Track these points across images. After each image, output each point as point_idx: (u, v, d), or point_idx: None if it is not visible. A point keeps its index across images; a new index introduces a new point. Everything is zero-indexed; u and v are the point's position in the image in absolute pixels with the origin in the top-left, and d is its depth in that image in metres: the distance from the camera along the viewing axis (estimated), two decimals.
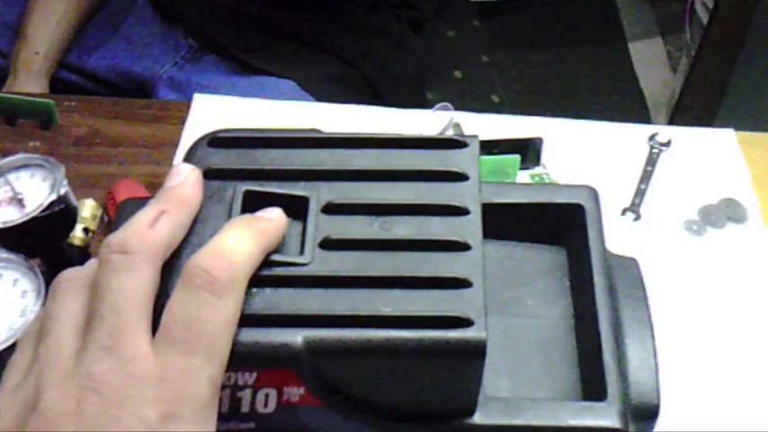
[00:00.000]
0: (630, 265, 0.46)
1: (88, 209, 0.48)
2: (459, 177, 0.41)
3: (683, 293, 0.78)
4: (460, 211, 0.40)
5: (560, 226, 0.46)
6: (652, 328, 0.44)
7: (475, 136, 0.43)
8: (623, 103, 1.93)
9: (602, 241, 0.45)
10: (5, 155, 0.77)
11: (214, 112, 0.85)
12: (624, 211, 0.83)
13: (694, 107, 1.60)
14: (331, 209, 0.39)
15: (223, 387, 0.36)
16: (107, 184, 0.73)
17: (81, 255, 0.52)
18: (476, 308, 0.37)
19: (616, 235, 0.80)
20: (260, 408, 0.37)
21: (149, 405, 0.33)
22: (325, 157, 0.41)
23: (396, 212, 0.39)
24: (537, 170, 0.83)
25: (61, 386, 0.34)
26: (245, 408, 0.37)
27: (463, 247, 0.38)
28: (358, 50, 1.04)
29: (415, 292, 0.37)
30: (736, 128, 0.93)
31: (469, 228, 0.39)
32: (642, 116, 1.90)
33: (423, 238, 0.38)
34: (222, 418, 0.36)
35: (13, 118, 0.79)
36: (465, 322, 0.36)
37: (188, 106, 0.84)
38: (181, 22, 1.04)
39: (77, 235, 0.48)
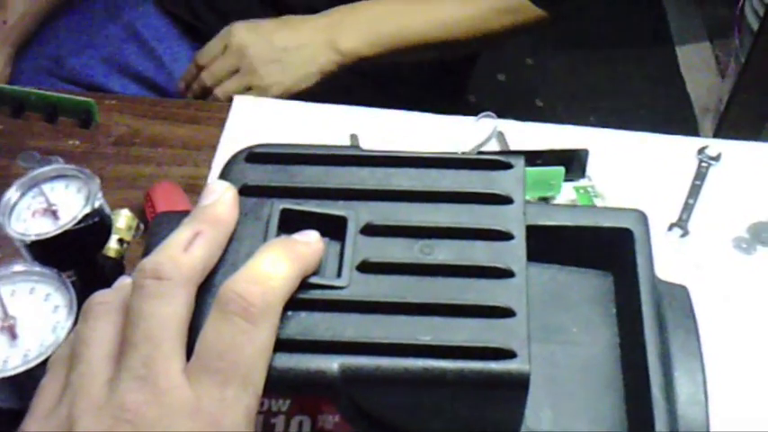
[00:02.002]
0: (680, 293, 0.44)
1: (123, 219, 0.48)
2: (504, 200, 0.39)
3: (732, 314, 0.75)
4: (504, 236, 0.38)
5: (607, 250, 0.44)
6: (702, 361, 0.42)
7: (521, 156, 0.41)
8: (670, 108, 1.90)
9: (652, 267, 0.43)
10: (45, 153, 0.78)
11: (254, 113, 0.84)
12: (671, 227, 0.81)
13: (743, 114, 1.56)
14: (370, 230, 0.38)
15: (257, 413, 0.35)
16: (145, 185, 0.73)
17: (115, 266, 0.51)
18: (519, 338, 0.35)
19: (662, 251, 0.79)
20: None
21: None
22: (364, 176, 0.40)
23: (437, 235, 0.38)
24: (582, 182, 0.81)
25: (94, 416, 0.33)
26: None
27: (506, 273, 0.37)
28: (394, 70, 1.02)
29: (455, 321, 0.36)
30: None
31: (513, 254, 0.38)
32: (689, 121, 1.87)
33: (464, 263, 0.37)
34: None
35: (54, 116, 0.79)
36: (507, 354, 0.35)
37: (228, 107, 0.83)
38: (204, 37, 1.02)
39: (112, 246, 0.48)
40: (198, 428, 0.33)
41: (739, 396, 0.70)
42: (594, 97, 1.79)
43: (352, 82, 0.99)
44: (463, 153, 0.41)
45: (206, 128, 0.82)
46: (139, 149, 0.79)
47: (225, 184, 0.38)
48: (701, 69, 1.99)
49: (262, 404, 0.35)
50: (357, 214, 0.39)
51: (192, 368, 0.33)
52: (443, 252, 0.38)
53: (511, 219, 0.39)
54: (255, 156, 0.40)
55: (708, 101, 1.90)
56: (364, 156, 0.41)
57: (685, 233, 0.80)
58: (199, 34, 1.01)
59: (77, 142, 0.79)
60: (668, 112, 1.86)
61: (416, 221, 0.38)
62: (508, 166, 0.41)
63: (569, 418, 0.40)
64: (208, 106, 0.86)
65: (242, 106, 0.85)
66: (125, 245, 0.50)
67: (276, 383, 0.34)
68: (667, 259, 0.78)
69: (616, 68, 1.88)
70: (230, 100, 0.85)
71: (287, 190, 0.39)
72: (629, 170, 0.84)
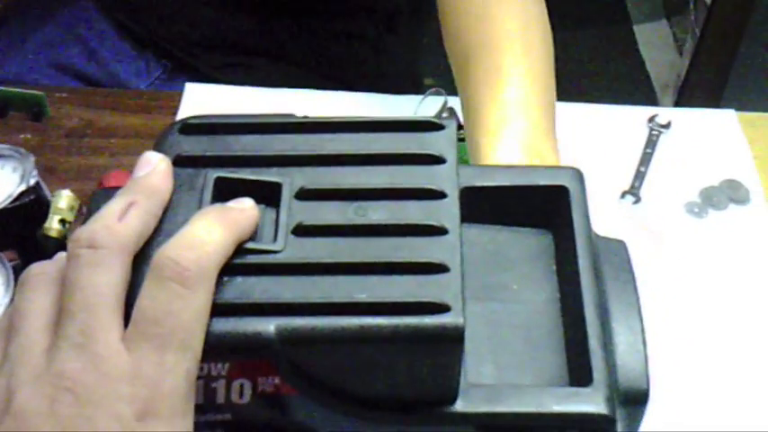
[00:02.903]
0: (618, 247, 0.45)
1: (65, 200, 0.47)
2: (436, 160, 0.40)
3: (685, 277, 0.77)
4: (437, 195, 0.39)
5: (545, 208, 0.45)
6: (640, 312, 0.43)
7: (452, 118, 0.42)
8: (629, 86, 1.91)
9: (588, 223, 0.44)
10: None
11: (206, 100, 0.84)
12: (624, 194, 0.82)
13: (700, 89, 1.58)
14: (304, 195, 0.38)
15: (197, 378, 0.35)
16: (99, 176, 0.73)
17: (58, 247, 0.51)
18: (453, 293, 0.36)
19: (615, 218, 0.80)
20: (235, 398, 0.36)
21: (124, 403, 0.33)
22: (298, 142, 0.40)
23: (370, 197, 0.38)
24: None
25: (33, 386, 0.33)
26: (221, 399, 0.36)
27: (440, 231, 0.37)
28: (335, 59, 1.02)
29: (390, 278, 0.36)
30: (742, 109, 0.91)
31: (446, 211, 0.38)
32: (649, 99, 1.88)
33: (398, 222, 0.38)
34: (198, 410, 0.35)
35: (4, 110, 0.79)
36: (441, 308, 0.35)
37: (180, 95, 0.84)
38: (152, 45, 1.00)
39: (54, 227, 0.47)
40: (138, 393, 0.33)
41: (690, 356, 0.71)
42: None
43: (304, 65, 0.99)
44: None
45: (158, 116, 0.82)
46: (92, 141, 0.79)
47: (159, 156, 0.39)
48: (659, 47, 2.01)
49: (201, 369, 0.35)
50: (292, 180, 0.39)
51: (130, 335, 0.34)
52: (377, 213, 0.38)
53: (443, 178, 0.39)
54: (189, 127, 0.41)
55: (667, 78, 1.91)
56: (298, 122, 0.41)
57: (638, 200, 0.81)
58: (139, 36, 1.00)
59: (29, 136, 0.79)
60: (628, 90, 1.88)
61: (350, 184, 0.39)
62: (440, 128, 0.41)
63: (511, 372, 0.40)
64: (159, 95, 0.86)
65: (194, 93, 0.85)
66: (67, 225, 0.50)
67: (214, 347, 0.35)
68: (620, 226, 0.79)
69: (575, 48, 1.90)
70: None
71: (221, 159, 0.39)
72: (581, 140, 0.85)
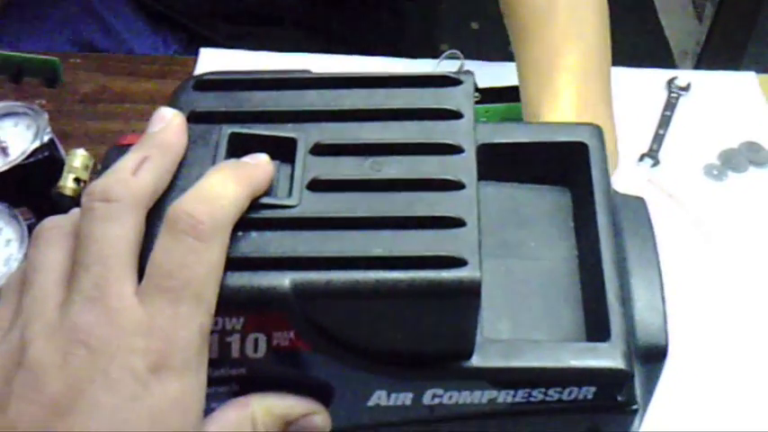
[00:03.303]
0: (637, 204, 0.44)
1: (79, 159, 0.47)
2: (453, 115, 0.39)
3: (704, 240, 0.76)
4: (454, 150, 0.38)
5: (564, 166, 0.44)
6: (660, 268, 0.42)
7: (470, 73, 0.41)
8: (649, 53, 1.89)
9: (607, 180, 0.43)
10: None
11: (221, 66, 0.84)
12: (642, 157, 0.81)
13: (719, 54, 1.56)
14: (320, 150, 0.38)
15: (211, 333, 0.35)
16: (114, 141, 0.72)
17: (72, 205, 0.51)
18: (469, 247, 0.35)
19: (634, 181, 0.79)
20: (250, 353, 0.36)
21: (138, 356, 0.32)
22: (313, 98, 0.40)
23: (386, 152, 0.38)
24: None
25: (47, 339, 0.33)
26: (235, 353, 0.36)
27: (456, 185, 0.37)
28: (351, 25, 1.01)
29: (406, 233, 0.36)
30: (758, 72, 0.90)
31: (463, 166, 0.38)
32: (668, 66, 1.86)
33: (414, 177, 0.37)
34: (212, 364, 0.35)
35: (19, 76, 0.79)
36: (458, 262, 0.35)
37: (194, 61, 0.83)
38: (167, 20, 1.00)
39: (69, 185, 0.47)
40: (151, 346, 0.33)
41: (709, 320, 0.71)
42: None
43: (322, 32, 0.99)
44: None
45: (173, 82, 0.81)
46: (106, 106, 0.79)
47: (173, 111, 0.38)
48: (678, 14, 1.98)
49: (216, 323, 0.35)
50: (307, 135, 0.38)
51: (144, 288, 0.33)
52: (393, 167, 0.38)
53: (460, 133, 0.39)
54: (203, 83, 0.40)
55: (686, 45, 1.89)
56: (313, 78, 0.40)
57: (656, 163, 0.81)
58: (155, 10, 0.99)
59: (44, 101, 0.78)
60: (647, 57, 1.85)
61: (365, 139, 0.38)
62: (457, 83, 0.40)
63: (528, 329, 0.40)
64: (174, 60, 0.85)
65: (209, 58, 0.84)
66: (81, 184, 0.50)
67: (229, 301, 0.34)
68: (639, 189, 0.78)
69: None
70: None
71: (235, 115, 0.39)
72: None
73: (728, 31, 1.54)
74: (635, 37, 1.92)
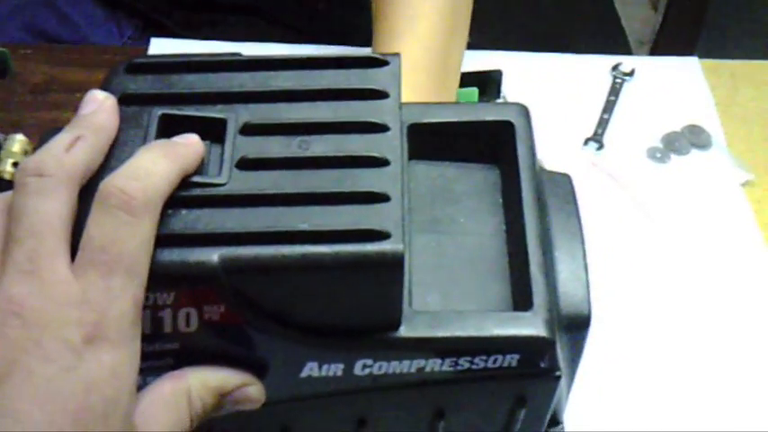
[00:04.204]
0: (563, 180, 0.46)
1: (18, 143, 0.48)
2: (379, 95, 0.40)
3: (647, 220, 0.78)
4: (379, 128, 0.39)
5: (492, 144, 0.45)
6: (583, 242, 0.44)
7: (397, 54, 0.42)
8: (605, 42, 1.91)
9: (533, 157, 0.44)
10: None
11: None
12: (587, 141, 0.83)
13: (673, 44, 1.58)
14: (249, 130, 0.39)
15: (144, 308, 0.36)
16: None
17: (10, 188, 0.52)
18: (393, 221, 0.37)
19: (578, 165, 0.81)
20: (182, 327, 0.37)
21: (72, 327, 0.33)
22: (244, 80, 0.41)
23: (314, 131, 0.39)
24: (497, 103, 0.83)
25: None
26: (168, 328, 0.37)
27: (381, 162, 0.38)
28: (308, 14, 1.01)
29: (332, 208, 0.37)
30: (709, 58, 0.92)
31: (388, 144, 0.39)
32: (625, 55, 1.88)
33: (340, 154, 0.38)
34: (146, 339, 0.36)
35: None
36: (382, 235, 0.36)
37: (145, 50, 0.84)
38: (122, 7, 0.99)
39: (7, 169, 0.48)
40: (85, 318, 0.33)
41: (655, 299, 0.73)
42: (528, 35, 1.80)
43: (279, 21, 0.99)
44: None
45: None
46: (57, 96, 0.79)
47: (104, 93, 0.39)
48: (634, 3, 2.01)
49: (147, 299, 0.36)
50: (236, 116, 0.40)
51: (77, 263, 0.34)
52: (320, 146, 0.39)
53: (386, 112, 0.40)
54: (135, 66, 0.41)
55: (642, 34, 1.92)
56: (243, 60, 0.41)
57: (601, 146, 0.82)
58: None
59: None
60: (604, 46, 1.87)
61: (294, 119, 0.39)
62: (384, 63, 0.42)
63: (457, 301, 0.41)
64: (125, 50, 0.86)
65: (159, 48, 0.85)
66: None
67: (159, 276, 0.35)
68: (583, 172, 0.80)
69: (549, 5, 1.90)
70: None
71: (166, 97, 0.40)
72: (544, 89, 0.86)
73: (681, 20, 1.56)
74: (592, 26, 1.94)
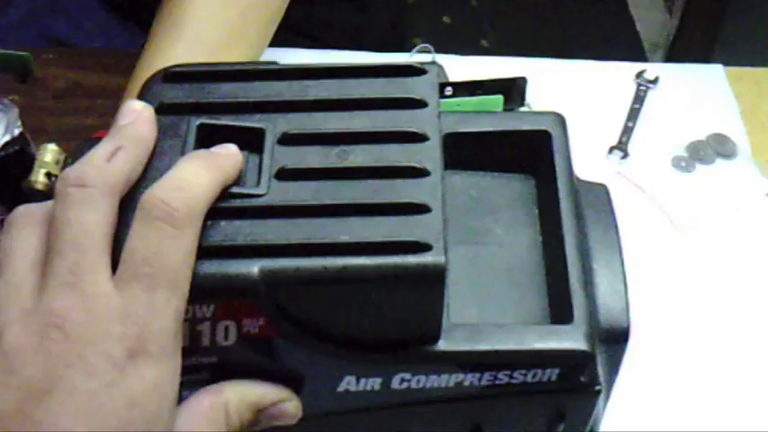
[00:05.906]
0: (600, 190, 0.45)
1: (51, 153, 0.47)
2: (418, 104, 0.40)
3: (673, 230, 0.77)
4: (418, 138, 0.39)
5: (528, 154, 0.45)
6: (621, 253, 0.43)
7: (434, 63, 0.42)
8: (620, 47, 1.90)
9: (570, 167, 0.44)
10: None
11: None
12: (611, 150, 0.82)
13: (689, 47, 1.58)
14: (287, 140, 0.39)
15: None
16: (87, 136, 0.73)
17: (44, 199, 0.51)
18: (434, 232, 0.36)
19: (603, 174, 0.80)
20: (221, 341, 0.37)
21: (115, 341, 0.33)
22: (281, 89, 0.40)
23: (352, 141, 0.39)
24: (522, 110, 0.82)
25: (22, 323, 0.33)
26: (206, 341, 0.37)
27: (421, 172, 0.38)
28: (317, 20, 1.01)
29: (372, 219, 0.36)
30: (728, 64, 0.91)
31: (428, 154, 0.38)
32: (639, 60, 1.87)
33: (380, 165, 0.38)
34: (183, 352, 0.36)
35: None
36: (423, 247, 0.36)
37: None
38: (134, 16, 0.99)
39: (40, 180, 0.48)
40: (128, 332, 0.33)
41: (681, 310, 0.72)
42: (542, 39, 1.80)
43: (286, 26, 0.99)
44: None
45: None
46: (80, 101, 0.79)
47: (141, 104, 0.39)
48: (649, 7, 2.00)
49: (187, 311, 0.35)
50: (275, 126, 0.39)
51: (120, 275, 0.34)
52: (359, 156, 0.38)
53: (425, 121, 0.40)
54: (172, 75, 0.41)
55: (657, 38, 1.91)
56: (280, 69, 0.41)
57: (625, 155, 0.82)
58: (122, 5, 0.99)
59: (16, 97, 0.78)
60: (619, 50, 1.87)
61: (332, 129, 0.39)
62: (422, 72, 0.41)
63: (494, 314, 0.41)
64: None
65: None
66: (53, 178, 0.50)
67: (199, 289, 0.35)
68: (608, 181, 0.79)
69: (563, 9, 1.89)
70: None
71: (204, 106, 0.40)
72: (568, 97, 0.85)
73: (698, 25, 1.56)
74: (606, 30, 1.93)
